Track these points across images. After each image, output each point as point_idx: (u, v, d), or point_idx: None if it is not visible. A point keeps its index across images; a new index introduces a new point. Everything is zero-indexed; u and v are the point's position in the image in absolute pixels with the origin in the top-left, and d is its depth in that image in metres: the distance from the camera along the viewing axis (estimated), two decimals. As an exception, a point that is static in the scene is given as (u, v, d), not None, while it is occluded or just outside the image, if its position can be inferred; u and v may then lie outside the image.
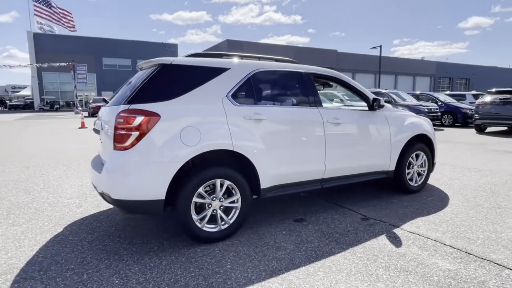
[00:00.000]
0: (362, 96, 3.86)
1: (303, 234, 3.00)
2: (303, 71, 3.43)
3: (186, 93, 2.73)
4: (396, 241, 2.83)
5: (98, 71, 42.81)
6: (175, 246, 2.76)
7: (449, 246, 2.73)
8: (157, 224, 3.23)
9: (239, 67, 3.05)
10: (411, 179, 4.22)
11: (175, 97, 2.68)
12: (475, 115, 11.86)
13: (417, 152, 4.20)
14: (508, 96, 11.13)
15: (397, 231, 3.04)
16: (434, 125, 10.37)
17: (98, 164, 2.99)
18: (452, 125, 14.78)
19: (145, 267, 2.41)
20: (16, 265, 2.42)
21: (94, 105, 24.13)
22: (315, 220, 3.34)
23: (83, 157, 6.82)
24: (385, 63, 41.11)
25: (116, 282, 2.21)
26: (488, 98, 11.64)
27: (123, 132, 2.52)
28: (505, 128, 12.11)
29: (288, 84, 3.37)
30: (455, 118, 14.51)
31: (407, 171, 4.13)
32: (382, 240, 2.85)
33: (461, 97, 17.68)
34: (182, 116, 2.65)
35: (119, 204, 2.59)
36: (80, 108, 29.06)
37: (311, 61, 37.20)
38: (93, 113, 22.89)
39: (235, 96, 2.94)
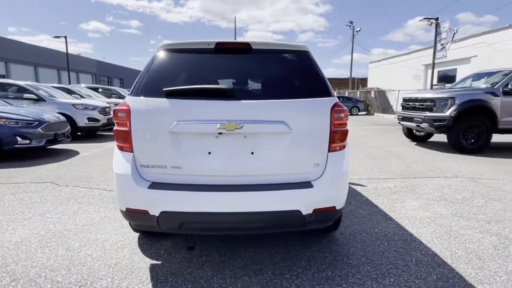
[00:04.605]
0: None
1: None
2: None
3: None
4: (363, 186, 4.51)
5: None
6: (310, 246, 2.70)
7: (387, 178, 4.85)
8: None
9: None
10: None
11: None
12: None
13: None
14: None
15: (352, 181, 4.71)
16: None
17: (253, 184, 2.06)
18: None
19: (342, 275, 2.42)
20: None
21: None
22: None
23: None
24: (47, 56, 36.63)
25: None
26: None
27: (343, 128, 2.17)
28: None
29: None
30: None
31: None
32: (356, 187, 4.42)
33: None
34: None
35: (336, 215, 2.22)
36: None
37: None
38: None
39: None
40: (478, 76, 8.64)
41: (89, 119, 9.07)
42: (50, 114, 7.01)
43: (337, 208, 2.17)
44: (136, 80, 2.24)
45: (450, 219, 3.27)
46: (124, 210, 2.09)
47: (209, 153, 2.06)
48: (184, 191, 2.00)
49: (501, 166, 5.82)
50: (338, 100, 2.23)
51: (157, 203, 2.00)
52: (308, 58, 2.36)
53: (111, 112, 10.39)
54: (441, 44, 16.94)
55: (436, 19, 17.28)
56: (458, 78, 18.90)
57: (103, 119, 9.55)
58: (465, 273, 2.28)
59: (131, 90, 2.21)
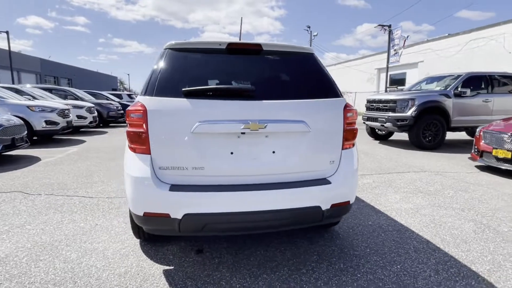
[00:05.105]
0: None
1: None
2: None
3: None
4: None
5: None
6: (312, 244, 2.82)
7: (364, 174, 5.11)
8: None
9: None
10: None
11: None
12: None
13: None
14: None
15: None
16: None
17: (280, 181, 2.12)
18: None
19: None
20: None
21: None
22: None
23: None
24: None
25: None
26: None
27: (353, 127, 2.29)
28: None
29: None
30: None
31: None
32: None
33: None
34: None
35: (349, 209, 2.34)
36: None
37: None
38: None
39: None
40: (431, 80, 9.50)
41: (47, 122, 8.35)
42: (4, 117, 6.35)
43: (351, 202, 2.29)
44: (148, 80, 2.15)
45: (430, 209, 3.59)
46: (142, 214, 2.00)
47: (231, 153, 2.06)
48: (207, 192, 1.97)
49: (457, 160, 6.47)
50: (347, 101, 2.36)
51: (180, 206, 1.95)
52: (316, 60, 2.45)
53: (70, 114, 9.68)
54: (394, 50, 18.33)
55: (389, 26, 18.67)
56: (407, 82, 20.57)
57: (62, 122, 8.85)
58: (457, 256, 2.53)
59: (143, 90, 2.12)
